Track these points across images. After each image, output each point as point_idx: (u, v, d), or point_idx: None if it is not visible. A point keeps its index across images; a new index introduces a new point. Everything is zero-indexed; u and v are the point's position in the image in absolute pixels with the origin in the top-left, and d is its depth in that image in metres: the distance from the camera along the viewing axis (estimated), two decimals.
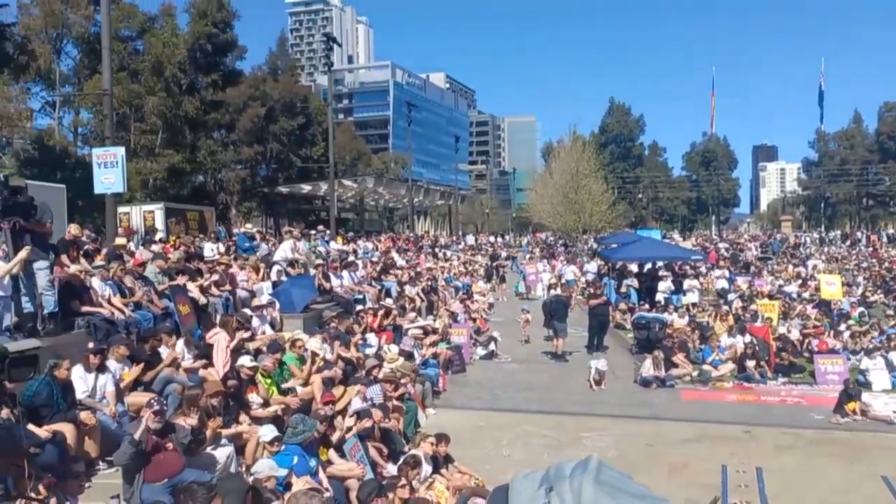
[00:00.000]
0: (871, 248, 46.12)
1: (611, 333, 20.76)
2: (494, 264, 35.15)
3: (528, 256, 39.23)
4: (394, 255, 27.67)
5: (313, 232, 23.56)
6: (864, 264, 36.49)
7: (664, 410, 13.38)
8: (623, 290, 25.68)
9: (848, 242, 53.44)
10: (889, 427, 12.17)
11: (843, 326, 19.07)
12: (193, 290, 12.31)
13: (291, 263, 17.14)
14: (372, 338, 14.95)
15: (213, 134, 49.58)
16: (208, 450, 7.63)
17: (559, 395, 14.67)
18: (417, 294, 21.02)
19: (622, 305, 23.44)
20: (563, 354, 18.22)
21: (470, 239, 55.68)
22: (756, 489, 9.16)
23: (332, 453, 8.93)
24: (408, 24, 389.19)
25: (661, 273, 27.86)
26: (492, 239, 58.71)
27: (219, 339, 10.40)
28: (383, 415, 10.36)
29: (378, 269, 21.85)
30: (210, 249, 17.06)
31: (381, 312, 16.99)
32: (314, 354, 11.31)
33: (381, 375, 11.80)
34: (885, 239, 52.89)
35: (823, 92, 73.63)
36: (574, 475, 1.26)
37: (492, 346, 18.75)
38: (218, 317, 12.28)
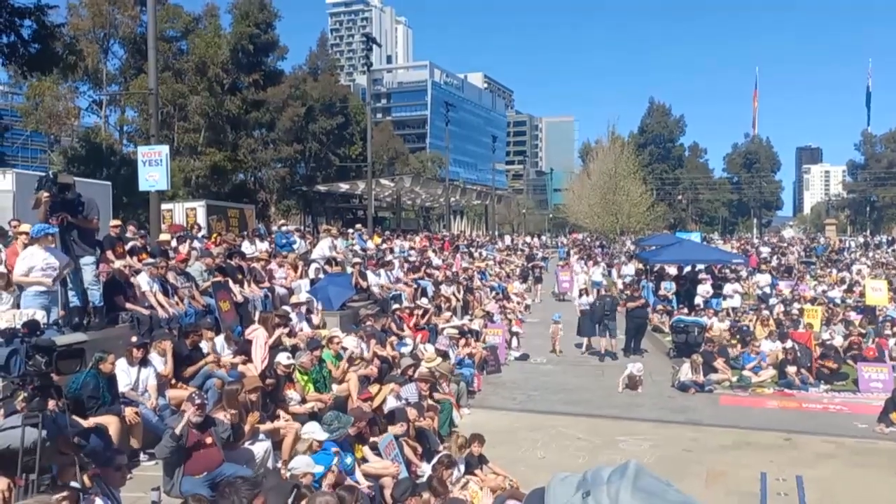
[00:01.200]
0: None
1: (648, 337, 20.55)
2: (530, 265, 35.01)
3: (561, 261, 38.94)
4: (430, 254, 27.75)
5: (351, 230, 23.76)
6: None
7: (702, 416, 13.18)
8: (662, 292, 25.39)
9: (895, 247, 51.99)
10: None
11: (888, 332, 18.54)
12: (234, 287, 12.51)
13: (329, 261, 17.33)
14: (408, 337, 15.06)
15: (254, 133, 50.27)
16: (246, 445, 7.76)
17: (594, 398, 14.56)
18: (453, 294, 21.06)
19: (660, 308, 23.18)
20: (614, 354, 18.47)
21: (506, 239, 55.56)
22: (796, 497, 8.98)
23: (367, 450, 9.00)
24: (447, 24, 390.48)
25: (700, 276, 27.48)
26: (528, 239, 58.48)
27: (257, 336, 10.57)
28: (418, 414, 10.43)
29: (414, 267, 21.97)
30: (250, 247, 17.32)
31: (417, 311, 17.12)
32: (349, 352, 11.43)
33: (416, 375, 11.87)
34: None
35: (871, 93, 71.88)
36: (612, 480, 1.26)
37: (514, 343, 18.92)
38: (257, 313, 12.48)
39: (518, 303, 25.66)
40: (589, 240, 58.71)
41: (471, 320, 18.41)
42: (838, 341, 17.98)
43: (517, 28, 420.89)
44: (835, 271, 35.08)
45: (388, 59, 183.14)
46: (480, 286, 25.54)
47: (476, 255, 35.92)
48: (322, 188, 49.59)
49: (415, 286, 19.89)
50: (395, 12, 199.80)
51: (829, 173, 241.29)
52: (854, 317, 21.53)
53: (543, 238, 64.72)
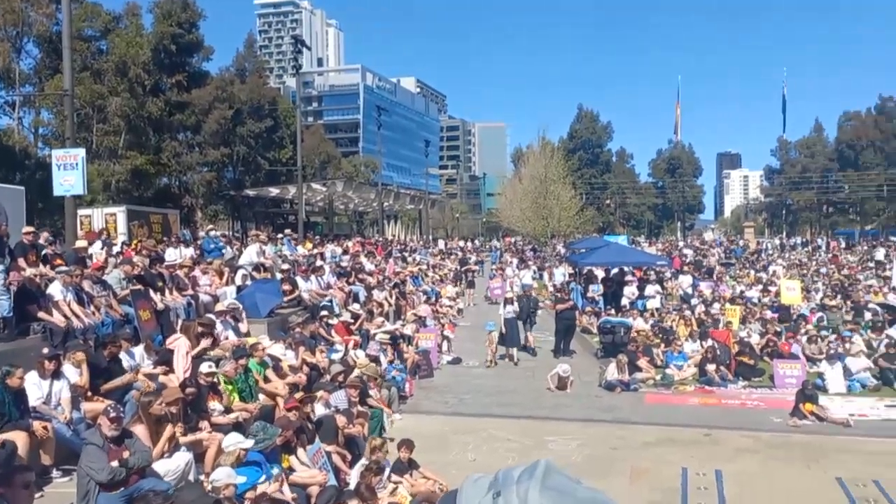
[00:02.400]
0: (830, 255, 47.08)
1: (577, 338, 20.94)
2: (463, 269, 35.20)
3: (494, 265, 39.26)
4: (362, 259, 27.55)
5: (280, 236, 23.36)
6: (823, 270, 37.25)
7: (628, 414, 13.51)
8: (590, 294, 25.93)
9: (808, 249, 54.53)
10: (845, 430, 12.41)
11: (801, 331, 19.42)
12: (154, 295, 12.13)
13: (257, 268, 16.99)
14: (339, 343, 14.91)
15: (179, 136, 48.92)
16: (166, 457, 7.51)
17: (525, 400, 14.73)
18: (385, 299, 20.97)
19: (588, 310, 23.67)
20: (534, 350, 19.17)
21: (440, 243, 55.71)
22: (716, 491, 9.29)
23: (294, 460, 8.85)
24: (379, 28, 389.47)
25: (627, 278, 28.20)
26: (462, 243, 58.81)
27: (179, 345, 10.26)
28: (347, 420, 10.33)
29: (346, 273, 21.76)
30: (173, 254, 16.81)
31: (348, 317, 16.97)
32: (276, 360, 11.23)
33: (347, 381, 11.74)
34: (843, 245, 54.14)
35: (786, 100, 75.24)
36: (521, 480, 1.26)
37: (446, 347, 18.96)
38: (179, 322, 12.12)
39: (451, 307, 25.75)
40: (521, 243, 59.47)
41: (403, 325, 18.35)
42: (755, 339, 18.72)
43: (449, 34, 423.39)
44: (752, 272, 36.48)
45: (320, 62, 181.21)
46: (413, 291, 25.52)
47: (410, 259, 35.88)
48: (251, 193, 48.58)
49: (347, 291, 19.73)
50: (326, 15, 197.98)
51: (747, 178, 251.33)
52: (770, 315, 22.44)
53: (476, 242, 65.15)
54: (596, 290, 26.47)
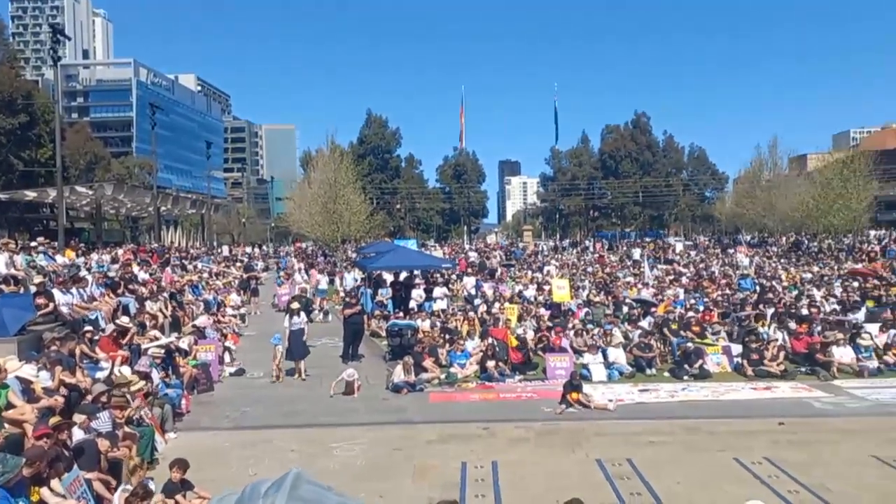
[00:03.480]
0: (596, 255, 51.81)
1: (367, 342, 21.03)
2: (248, 276, 33.95)
3: (282, 272, 38.31)
4: (134, 268, 25.51)
5: (34, 244, 20.95)
6: (590, 269, 40.84)
7: (413, 414, 13.78)
8: (379, 298, 26.21)
9: (577, 250, 59.58)
10: (607, 414, 13.64)
11: (569, 326, 21.08)
12: None
13: (6, 280, 15.06)
14: (104, 360, 13.64)
15: None
16: None
17: (311, 408, 14.48)
18: (160, 310, 19.57)
19: (377, 313, 23.89)
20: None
21: (225, 250, 53.31)
22: (491, 482, 9.75)
23: (45, 492, 7.91)
24: (154, 20, 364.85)
25: (416, 281, 28.90)
26: (248, 250, 56.78)
27: None
28: (111, 444, 9.46)
29: (115, 283, 19.99)
30: None
31: (115, 331, 15.56)
32: (27, 382, 9.99)
33: (111, 401, 10.75)
34: (606, 246, 59.89)
35: (557, 112, 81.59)
36: (268, 494, 1.18)
37: (228, 358, 18.19)
38: None
39: (235, 316, 24.70)
40: (312, 248, 58.71)
41: (179, 338, 17.23)
42: (530, 335, 20.01)
43: (233, 31, 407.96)
44: (530, 272, 39.07)
45: (85, 54, 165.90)
46: (193, 300, 24.11)
47: (190, 267, 33.93)
48: (2, 197, 43.17)
49: (115, 303, 18.11)
50: (93, 4, 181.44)
51: (526, 184, 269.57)
52: (543, 312, 24.13)
53: (265, 248, 63.21)
54: (385, 294, 26.83)
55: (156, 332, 17.23)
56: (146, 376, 12.83)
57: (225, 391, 16.16)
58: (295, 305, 18.31)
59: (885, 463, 10.30)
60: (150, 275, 25.01)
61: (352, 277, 32.60)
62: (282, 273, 37.91)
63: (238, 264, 41.87)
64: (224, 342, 18.90)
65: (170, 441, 11.89)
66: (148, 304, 19.41)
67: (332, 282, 35.46)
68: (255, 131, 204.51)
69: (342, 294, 28.92)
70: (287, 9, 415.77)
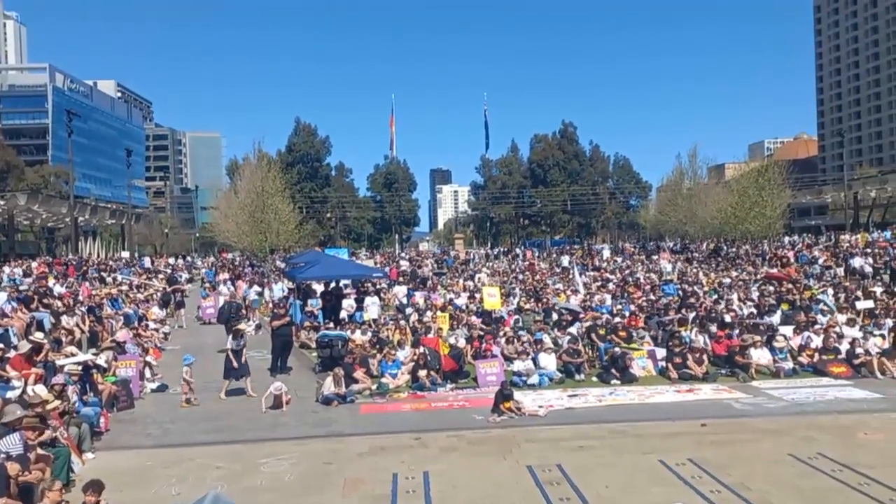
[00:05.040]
0: (527, 263, 52.44)
1: (296, 354, 20.68)
2: (172, 288, 32.91)
3: (208, 284, 37.30)
4: (50, 281, 24.41)
5: None
6: (521, 277, 41.30)
7: (344, 426, 13.58)
8: (308, 308, 25.80)
9: (508, 257, 60.19)
10: (537, 420, 13.75)
11: (501, 333, 21.23)
12: None
13: None
14: (15, 378, 12.95)
15: None
16: None
17: (238, 423, 14.08)
18: (77, 325, 18.75)
19: (307, 324, 23.51)
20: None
21: (147, 261, 51.56)
22: (423, 492, 9.68)
23: None
24: (70, 25, 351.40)
25: (346, 291, 28.59)
26: (171, 261, 55.07)
27: None
28: (21, 467, 8.97)
29: (28, 298, 19.06)
30: None
31: (28, 348, 14.80)
32: None
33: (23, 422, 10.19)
34: (536, 253, 60.75)
35: (487, 122, 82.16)
36: None
37: (149, 374, 17.58)
38: None
39: (157, 330, 23.88)
40: (239, 259, 57.42)
41: (97, 354, 16.52)
42: (461, 343, 20.06)
43: (155, 37, 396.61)
44: (461, 280, 39.22)
45: None
46: (112, 314, 23.19)
47: (109, 280, 32.68)
48: None
49: (29, 318, 17.26)
50: (5, 6, 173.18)
51: (457, 193, 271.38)
52: (475, 320, 24.22)
53: (189, 259, 61.44)
54: (315, 305, 26.44)
55: (72, 349, 16.53)
56: (61, 394, 12.21)
57: (146, 408, 15.57)
58: (242, 326, 17.71)
59: (800, 461, 10.72)
60: (67, 288, 23.97)
61: (279, 288, 32.01)
62: (206, 285, 36.90)
63: (160, 276, 40.56)
64: (145, 357, 18.22)
65: (87, 462, 11.36)
66: (64, 318, 18.61)
67: (261, 293, 34.73)
68: (178, 139, 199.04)
69: (270, 305, 28.35)
70: (211, 15, 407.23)
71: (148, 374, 17.61)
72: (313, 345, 20.96)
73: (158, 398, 16.55)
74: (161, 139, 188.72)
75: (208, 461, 11.46)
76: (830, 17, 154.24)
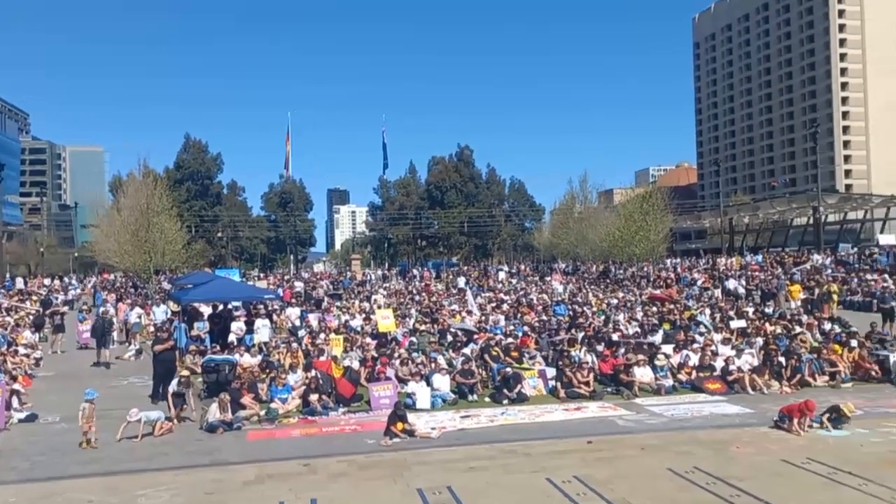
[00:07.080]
0: (424, 284, 52.61)
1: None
2: (48, 312, 30.83)
3: (85, 307, 35.20)
4: None
5: None
6: (418, 297, 41.38)
7: (229, 455, 13.08)
8: (195, 332, 24.79)
9: (406, 278, 60.18)
10: (430, 442, 13.74)
11: (395, 355, 21.15)
12: None
13: None
14: None
15: None
16: None
17: (115, 453, 13.28)
18: None
19: (192, 349, 22.55)
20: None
21: (19, 282, 48.16)
22: None
23: None
24: None
25: (236, 314, 27.66)
26: (47, 281, 51.70)
27: None
28: None
29: None
30: None
31: None
32: None
33: None
34: (433, 274, 61.10)
35: (385, 143, 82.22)
36: None
37: (17, 403, 16.38)
38: None
39: (27, 356, 22.28)
40: (121, 280, 54.57)
41: None
42: (355, 365, 19.82)
43: (32, 47, 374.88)
44: (357, 301, 38.85)
45: None
46: None
47: None
48: None
49: None
50: None
51: (355, 213, 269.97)
52: (369, 342, 24.02)
53: (66, 280, 57.77)
54: (201, 328, 25.44)
55: None
56: None
57: (12, 440, 14.46)
58: (185, 373, 16.71)
59: (678, 475, 11.20)
60: None
61: (162, 311, 30.59)
62: (84, 308, 34.81)
63: (34, 298, 37.97)
64: (13, 385, 16.94)
65: None
66: None
67: (141, 316, 33.05)
68: (57, 153, 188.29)
69: (151, 329, 27.04)
70: (97, 25, 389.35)
71: (16, 402, 16.38)
72: (199, 370, 20.12)
73: (27, 429, 15.41)
74: (38, 153, 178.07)
75: (80, 495, 10.76)
76: (708, 53, 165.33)
